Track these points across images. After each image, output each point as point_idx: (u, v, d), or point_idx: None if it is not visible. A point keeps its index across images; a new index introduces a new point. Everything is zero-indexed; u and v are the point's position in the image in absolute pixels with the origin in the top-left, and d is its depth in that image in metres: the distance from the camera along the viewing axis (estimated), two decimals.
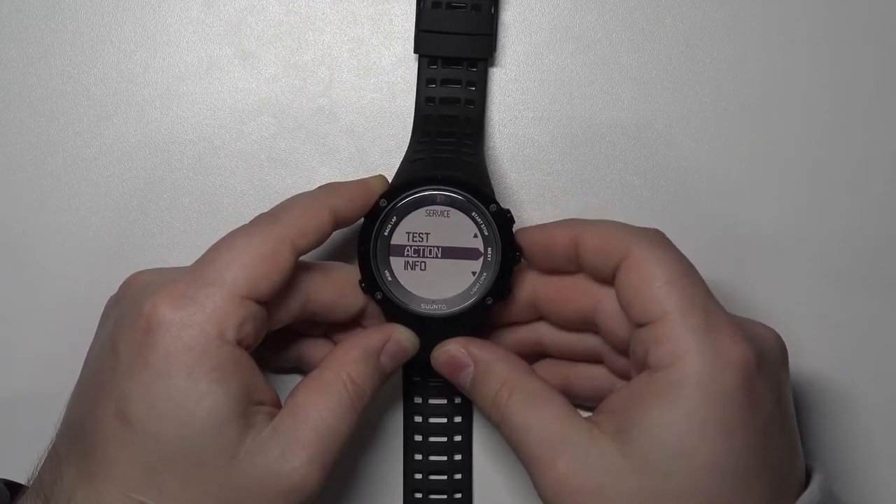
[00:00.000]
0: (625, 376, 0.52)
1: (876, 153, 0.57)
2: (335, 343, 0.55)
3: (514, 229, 0.51)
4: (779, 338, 0.49)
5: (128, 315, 0.47)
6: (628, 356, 0.49)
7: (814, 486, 0.47)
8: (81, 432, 0.47)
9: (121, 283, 0.52)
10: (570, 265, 0.51)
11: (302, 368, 0.56)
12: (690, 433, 0.45)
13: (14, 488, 0.50)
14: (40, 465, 0.49)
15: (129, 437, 0.46)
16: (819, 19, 0.57)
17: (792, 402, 0.49)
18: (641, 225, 0.56)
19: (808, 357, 0.57)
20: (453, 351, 0.51)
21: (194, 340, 0.46)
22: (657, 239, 0.49)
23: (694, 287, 0.47)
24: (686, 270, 0.47)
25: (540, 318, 0.54)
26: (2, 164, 0.57)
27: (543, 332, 0.54)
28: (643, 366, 0.47)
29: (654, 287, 0.47)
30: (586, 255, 0.49)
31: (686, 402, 0.45)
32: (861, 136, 0.57)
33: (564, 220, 0.51)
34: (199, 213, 0.57)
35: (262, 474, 0.46)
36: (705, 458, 0.45)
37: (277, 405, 0.49)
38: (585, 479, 0.46)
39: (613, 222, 0.50)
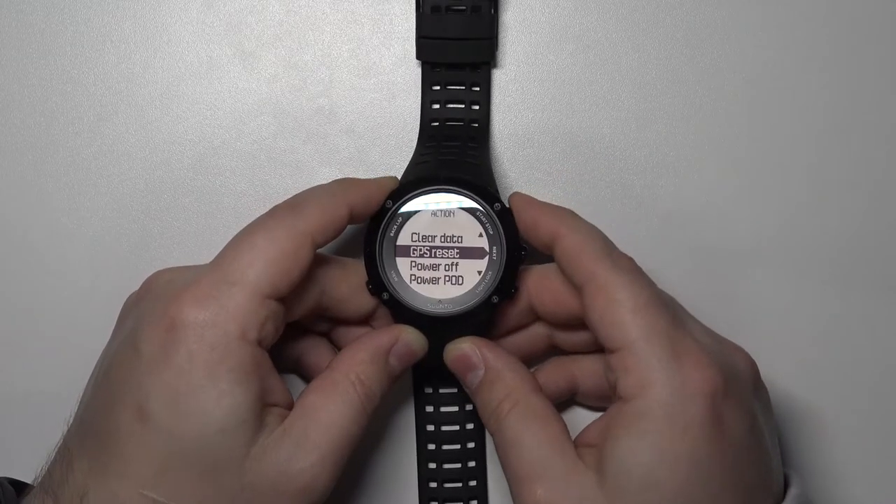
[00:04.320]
0: None
1: (877, 153, 0.57)
2: (334, 343, 0.55)
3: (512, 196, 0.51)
4: (750, 360, 0.49)
5: (151, 314, 0.47)
6: None
7: (788, 501, 0.48)
8: (97, 428, 0.47)
9: (121, 282, 0.52)
10: (546, 250, 0.51)
11: (299, 370, 0.56)
12: (660, 465, 0.45)
13: (19, 487, 0.50)
14: (49, 463, 0.49)
15: (146, 434, 0.46)
16: (819, 19, 0.57)
17: (770, 422, 0.49)
18: (641, 226, 0.56)
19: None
20: (467, 350, 0.51)
21: (217, 340, 0.46)
22: (627, 266, 0.49)
23: (658, 314, 0.47)
24: (650, 298, 0.47)
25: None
26: (2, 164, 0.57)
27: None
28: (615, 392, 0.48)
29: (619, 314, 0.47)
30: (559, 258, 0.50)
31: (654, 435, 0.45)
32: (861, 136, 0.57)
33: (555, 209, 0.51)
34: (199, 213, 0.57)
35: (273, 475, 0.47)
36: (677, 488, 0.45)
37: (290, 407, 0.49)
38: None
39: (593, 234, 0.50)
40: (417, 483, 0.57)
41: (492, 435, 0.50)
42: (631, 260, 0.49)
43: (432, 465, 0.57)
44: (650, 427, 0.45)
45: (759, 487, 0.48)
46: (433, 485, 0.56)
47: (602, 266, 0.48)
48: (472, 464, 0.57)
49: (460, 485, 0.56)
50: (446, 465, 0.56)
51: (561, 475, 0.47)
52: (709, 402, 0.45)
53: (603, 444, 0.47)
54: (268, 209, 0.50)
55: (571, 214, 0.51)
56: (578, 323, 0.51)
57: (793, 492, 0.48)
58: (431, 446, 0.56)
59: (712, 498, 0.46)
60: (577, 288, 0.49)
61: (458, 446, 0.56)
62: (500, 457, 0.49)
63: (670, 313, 0.48)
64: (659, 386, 0.46)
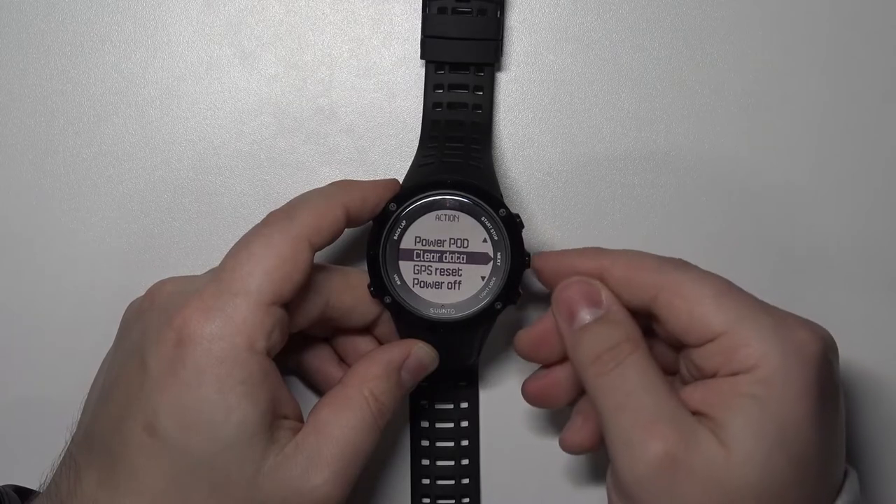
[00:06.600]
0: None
1: (877, 152, 0.57)
2: (335, 349, 0.55)
3: (531, 252, 0.51)
4: (827, 332, 0.49)
5: (156, 327, 0.47)
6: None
7: (851, 478, 0.48)
8: (106, 443, 0.47)
9: (121, 282, 0.52)
10: None
11: (300, 373, 0.56)
12: (786, 429, 0.45)
13: (23, 494, 0.50)
14: (55, 473, 0.48)
15: (157, 449, 0.46)
16: (819, 19, 0.57)
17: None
18: (641, 226, 0.56)
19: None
20: (596, 284, 0.49)
21: (225, 353, 0.46)
22: (683, 265, 0.49)
23: (740, 294, 0.47)
24: (724, 282, 0.48)
25: None
26: (2, 164, 0.57)
27: None
28: (715, 375, 0.47)
29: (705, 305, 0.47)
30: (616, 286, 0.49)
31: (777, 401, 0.45)
32: (861, 135, 0.57)
33: (586, 250, 0.51)
34: (199, 213, 0.57)
35: (285, 491, 0.47)
36: (800, 450, 0.45)
37: (300, 419, 0.49)
38: (689, 462, 0.45)
39: (637, 253, 0.50)
40: (410, 479, 0.57)
41: (594, 379, 0.48)
42: (682, 259, 0.49)
43: (425, 462, 0.57)
44: (773, 394, 0.45)
45: (839, 452, 0.48)
46: (426, 481, 0.57)
47: (663, 271, 0.48)
48: (465, 461, 0.57)
49: (452, 482, 0.57)
50: (439, 462, 0.57)
51: (689, 432, 0.46)
52: (820, 364, 0.46)
53: (719, 413, 0.46)
54: (268, 209, 0.50)
55: (600, 248, 0.51)
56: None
57: (852, 474, 0.49)
58: (425, 442, 0.57)
59: (825, 460, 0.46)
60: (644, 306, 0.49)
61: (451, 443, 0.57)
62: (605, 404, 0.47)
63: (747, 293, 0.48)
64: (775, 355, 0.45)
